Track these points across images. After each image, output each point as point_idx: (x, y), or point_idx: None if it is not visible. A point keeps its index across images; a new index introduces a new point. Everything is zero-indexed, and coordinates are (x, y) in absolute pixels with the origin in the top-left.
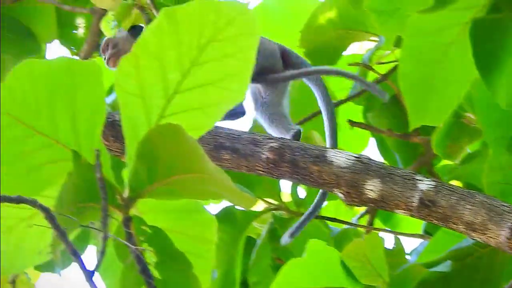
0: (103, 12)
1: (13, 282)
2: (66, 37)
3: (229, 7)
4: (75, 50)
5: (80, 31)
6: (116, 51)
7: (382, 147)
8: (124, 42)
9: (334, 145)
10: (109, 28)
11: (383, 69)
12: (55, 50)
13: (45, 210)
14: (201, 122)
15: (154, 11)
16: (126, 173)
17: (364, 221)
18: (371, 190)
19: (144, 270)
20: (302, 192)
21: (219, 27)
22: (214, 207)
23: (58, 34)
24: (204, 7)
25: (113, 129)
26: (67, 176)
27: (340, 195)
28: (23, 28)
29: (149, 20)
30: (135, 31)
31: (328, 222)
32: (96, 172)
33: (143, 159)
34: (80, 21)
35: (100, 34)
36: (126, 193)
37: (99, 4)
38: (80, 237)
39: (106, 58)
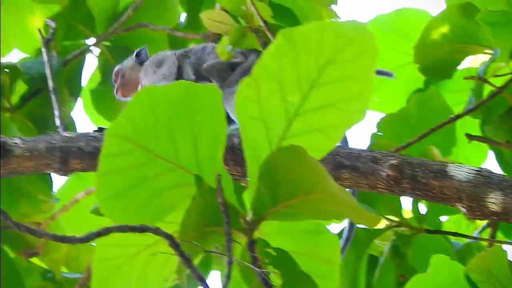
0: (216, 37)
1: None
2: None
3: (347, 27)
4: None
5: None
6: (124, 81)
7: (501, 159)
8: (131, 71)
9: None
10: (224, 52)
11: (499, 82)
12: None
13: (168, 237)
14: (321, 143)
15: (268, 33)
16: (247, 196)
17: (486, 234)
18: (493, 203)
19: None
20: (423, 207)
21: (338, 47)
22: (334, 227)
23: None
24: (322, 28)
25: (232, 153)
26: (191, 201)
27: (463, 209)
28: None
29: (263, 42)
30: (140, 57)
31: (450, 237)
32: (218, 196)
33: (266, 182)
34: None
35: None
36: (249, 216)
37: (213, 29)
38: (203, 262)
39: (115, 88)
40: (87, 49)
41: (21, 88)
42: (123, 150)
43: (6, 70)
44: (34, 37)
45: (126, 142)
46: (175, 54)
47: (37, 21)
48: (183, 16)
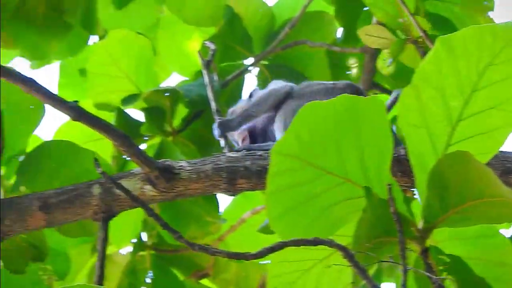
0: (375, 51)
1: None
2: (339, 78)
3: (505, 29)
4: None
5: (353, 71)
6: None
7: None
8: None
9: None
10: (384, 65)
11: None
12: None
13: (342, 249)
14: (486, 146)
15: (428, 43)
16: (416, 205)
17: None
18: None
19: None
20: None
21: (497, 49)
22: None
23: (330, 76)
24: (480, 32)
25: (399, 164)
26: (362, 213)
27: None
28: (297, 73)
29: (424, 54)
30: (252, 97)
31: None
32: (390, 206)
33: (435, 189)
34: (353, 61)
35: (373, 72)
36: (420, 224)
37: (371, 44)
38: (374, 274)
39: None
40: (246, 70)
41: (181, 111)
42: (290, 167)
43: (166, 94)
44: (192, 60)
45: (293, 159)
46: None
47: (194, 44)
48: (339, 31)
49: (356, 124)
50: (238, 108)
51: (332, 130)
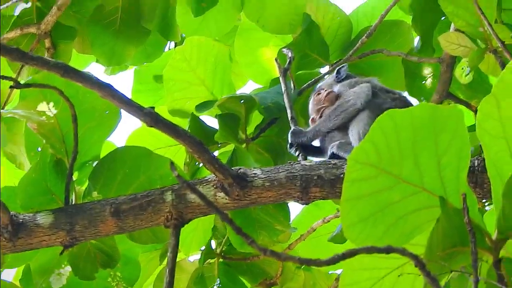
0: (451, 61)
1: None
2: (414, 87)
3: None
4: (424, 101)
5: (429, 81)
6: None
7: None
8: (328, 86)
9: None
10: (463, 74)
11: None
12: None
13: (414, 257)
14: None
15: (506, 54)
16: (490, 216)
17: None
18: None
19: None
20: None
21: None
22: None
23: (406, 85)
24: None
25: (472, 175)
26: (435, 223)
27: None
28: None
29: (502, 63)
30: (339, 75)
31: None
32: (464, 215)
33: (510, 200)
34: (428, 71)
35: (449, 83)
36: (494, 235)
37: (451, 51)
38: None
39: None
40: (321, 78)
41: (256, 118)
42: (367, 175)
43: (241, 101)
44: (268, 67)
45: (370, 167)
46: (371, 83)
47: (271, 52)
48: (416, 40)
49: (434, 133)
50: (323, 85)
51: (410, 139)
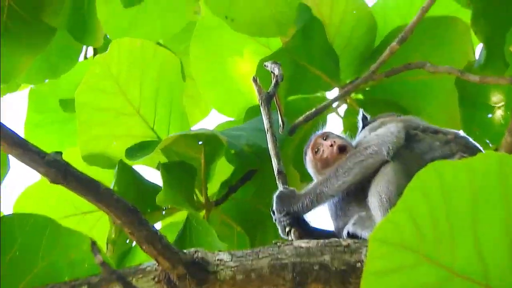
0: None
1: None
2: (475, 123)
3: None
4: (491, 146)
5: (498, 113)
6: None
7: None
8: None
9: None
10: None
11: None
12: None
13: None
14: None
15: None
16: None
17: None
18: None
19: None
20: None
21: None
22: None
23: (462, 120)
24: None
25: None
26: None
27: None
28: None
29: None
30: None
31: None
32: None
33: None
34: (498, 98)
35: None
36: None
37: None
38: None
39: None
40: (327, 106)
41: (223, 169)
42: (399, 264)
43: (199, 142)
44: (241, 90)
45: (405, 252)
46: (404, 122)
47: (245, 65)
48: (478, 49)
49: (505, 198)
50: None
51: (468, 206)
